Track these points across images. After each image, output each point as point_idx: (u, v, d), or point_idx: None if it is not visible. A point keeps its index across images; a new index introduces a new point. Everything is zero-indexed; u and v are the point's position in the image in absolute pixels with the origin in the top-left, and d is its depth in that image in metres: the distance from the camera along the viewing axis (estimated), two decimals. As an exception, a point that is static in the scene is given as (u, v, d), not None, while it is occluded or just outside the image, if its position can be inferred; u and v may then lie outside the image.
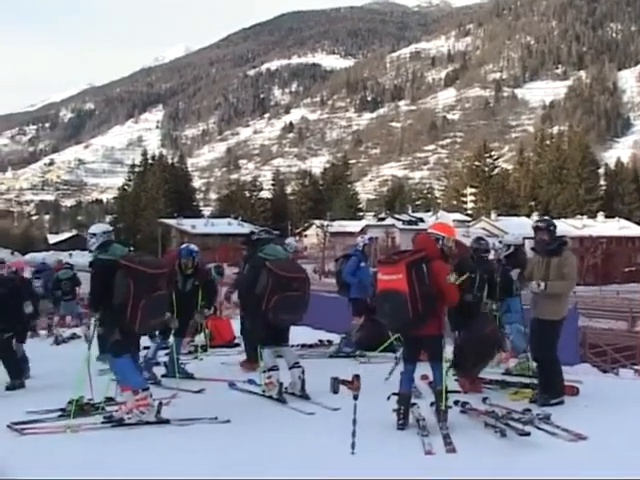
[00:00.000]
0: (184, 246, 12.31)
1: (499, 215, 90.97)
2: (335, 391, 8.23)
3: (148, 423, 8.47)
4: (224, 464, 7.14)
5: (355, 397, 7.60)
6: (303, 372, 10.09)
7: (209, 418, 8.68)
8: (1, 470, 6.57)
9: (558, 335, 9.48)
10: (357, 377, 7.77)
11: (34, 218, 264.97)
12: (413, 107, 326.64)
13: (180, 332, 11.59)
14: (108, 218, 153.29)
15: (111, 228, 9.63)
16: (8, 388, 11.43)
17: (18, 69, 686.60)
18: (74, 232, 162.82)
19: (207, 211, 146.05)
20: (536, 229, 9.77)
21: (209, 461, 7.24)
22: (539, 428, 7.87)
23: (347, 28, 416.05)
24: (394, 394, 8.36)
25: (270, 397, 9.97)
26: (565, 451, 7.38)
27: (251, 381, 10.96)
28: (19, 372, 11.82)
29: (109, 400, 9.35)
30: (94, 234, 9.14)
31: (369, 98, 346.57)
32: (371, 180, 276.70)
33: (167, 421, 8.55)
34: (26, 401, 9.77)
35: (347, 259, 14.16)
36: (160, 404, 8.68)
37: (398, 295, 8.07)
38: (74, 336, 18.77)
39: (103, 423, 8.61)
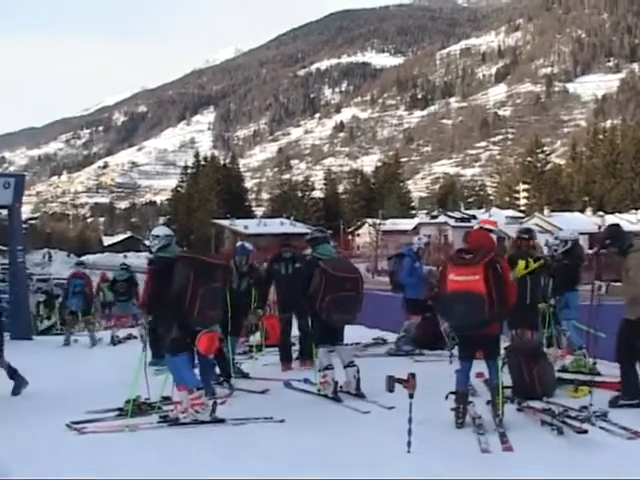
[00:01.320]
0: (239, 244, 12.38)
1: (552, 211, 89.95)
2: (391, 390, 8.19)
3: (203, 422, 8.49)
4: (279, 464, 7.16)
5: (411, 395, 7.57)
6: (358, 371, 10.08)
7: (264, 418, 8.68)
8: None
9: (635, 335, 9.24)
10: (413, 375, 7.74)
11: (89, 220, 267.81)
12: (464, 104, 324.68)
13: (235, 331, 11.61)
14: (162, 220, 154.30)
15: (172, 232, 9.74)
16: None
17: (73, 74, 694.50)
18: (128, 234, 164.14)
19: (259, 211, 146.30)
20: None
21: (264, 461, 7.26)
22: (597, 426, 7.80)
23: (396, 26, 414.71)
24: (451, 393, 8.34)
25: (325, 396, 9.98)
26: (622, 449, 7.30)
27: (306, 380, 10.97)
28: None
29: (165, 399, 9.41)
30: (157, 236, 9.28)
31: (419, 96, 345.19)
32: (423, 178, 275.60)
33: (222, 420, 8.56)
34: (84, 401, 9.86)
35: (400, 258, 14.12)
36: (215, 403, 8.72)
37: (475, 296, 8.04)
38: (130, 336, 18.92)
39: (159, 422, 8.70)
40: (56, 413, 9.68)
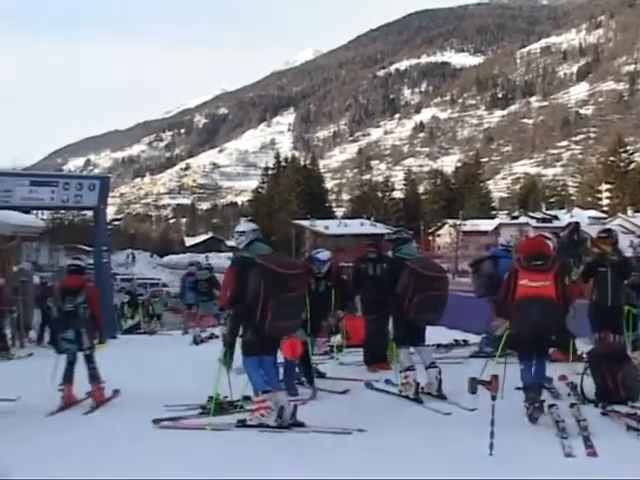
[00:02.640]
0: (315, 254, 12.30)
1: (636, 211, 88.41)
2: (473, 391, 8.15)
3: (287, 426, 8.39)
4: (360, 465, 7.14)
5: (493, 398, 7.54)
6: (440, 372, 10.05)
7: (342, 429, 8.39)
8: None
9: None
10: (495, 377, 7.71)
11: (171, 221, 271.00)
12: (545, 103, 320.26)
13: (314, 332, 11.63)
14: (243, 220, 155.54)
15: (257, 227, 9.62)
16: None
17: (155, 78, 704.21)
18: (210, 234, 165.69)
19: (340, 212, 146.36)
20: None
21: (345, 462, 7.24)
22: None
23: (476, 25, 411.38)
24: (518, 388, 8.32)
25: (407, 397, 9.95)
26: None
27: (388, 381, 10.95)
28: None
29: (246, 399, 9.47)
30: (243, 232, 9.21)
31: (500, 95, 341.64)
32: (503, 178, 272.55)
33: (302, 424, 8.45)
34: (167, 398, 10.00)
35: (495, 260, 13.80)
36: (295, 407, 8.59)
37: (550, 301, 8.44)
38: (212, 336, 19.10)
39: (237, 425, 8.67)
40: (140, 410, 9.84)
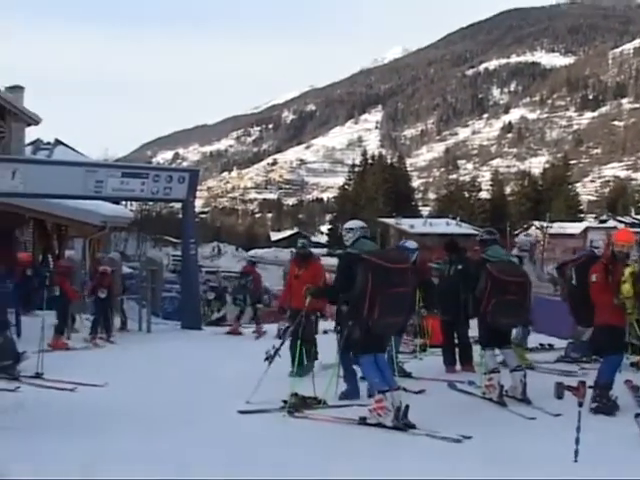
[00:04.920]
0: (403, 243, 12.34)
1: None
2: (559, 396, 8.07)
3: (396, 428, 8.32)
4: (442, 467, 7.08)
5: (580, 404, 7.41)
6: (525, 375, 9.94)
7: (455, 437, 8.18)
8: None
9: None
10: (583, 383, 7.59)
11: (257, 216, 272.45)
12: (637, 105, 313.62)
13: (400, 330, 11.59)
14: (328, 217, 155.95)
15: (366, 225, 9.61)
16: None
17: (244, 73, 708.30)
18: (295, 230, 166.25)
19: (425, 211, 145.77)
20: None
21: (427, 463, 7.19)
22: None
23: (567, 24, 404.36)
24: (592, 387, 8.23)
25: (490, 400, 9.87)
26: None
27: (471, 382, 10.89)
28: None
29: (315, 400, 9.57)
30: (351, 228, 9.23)
31: (590, 96, 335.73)
32: (592, 181, 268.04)
33: (413, 426, 8.30)
34: (249, 391, 10.02)
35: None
36: (407, 407, 8.42)
37: None
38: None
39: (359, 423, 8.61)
40: (222, 402, 9.98)
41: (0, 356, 12.02)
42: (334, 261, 27.22)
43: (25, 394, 10.86)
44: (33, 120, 35.72)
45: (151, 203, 64.98)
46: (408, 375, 11.69)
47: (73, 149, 40.88)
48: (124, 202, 39.56)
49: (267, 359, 10.71)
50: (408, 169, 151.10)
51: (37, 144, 40.18)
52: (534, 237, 14.46)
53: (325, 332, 14.95)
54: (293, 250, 21.64)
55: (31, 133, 38.78)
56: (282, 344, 11.07)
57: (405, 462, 7.22)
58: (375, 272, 8.32)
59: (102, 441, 7.84)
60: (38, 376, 12.10)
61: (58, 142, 40.65)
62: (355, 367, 9.99)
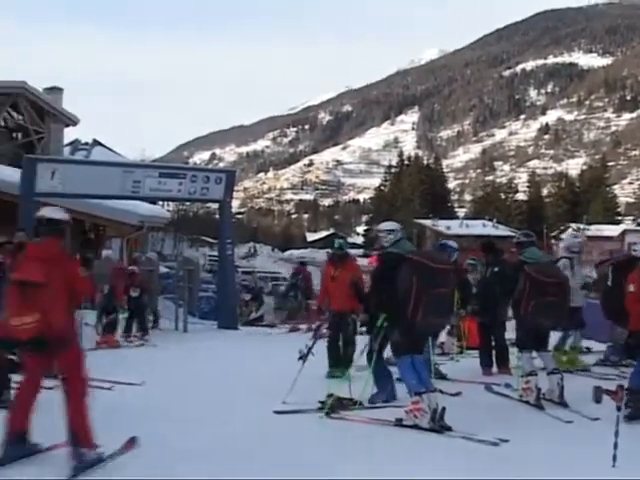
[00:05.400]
0: (445, 242, 12.34)
1: None
2: (598, 400, 7.98)
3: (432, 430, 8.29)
4: (479, 469, 7.06)
5: (618, 408, 7.34)
6: (562, 378, 9.88)
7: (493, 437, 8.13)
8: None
9: None
10: (621, 387, 7.52)
11: (293, 216, 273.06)
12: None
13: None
14: (364, 218, 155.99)
15: (403, 226, 9.66)
16: None
17: (280, 74, 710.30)
18: (331, 231, 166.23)
19: (461, 212, 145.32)
20: None
21: (463, 466, 7.18)
22: None
23: (605, 25, 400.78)
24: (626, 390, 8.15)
25: (527, 402, 9.81)
26: None
27: (508, 385, 10.83)
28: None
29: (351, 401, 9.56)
30: (392, 230, 9.28)
31: (628, 97, 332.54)
32: (630, 183, 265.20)
33: (450, 428, 8.26)
34: (284, 392, 10.07)
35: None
36: (444, 409, 8.38)
37: None
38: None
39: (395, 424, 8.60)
40: (258, 402, 10.00)
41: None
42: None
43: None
44: (71, 121, 36.07)
45: (188, 203, 65.18)
46: (443, 377, 11.66)
47: (111, 149, 41.19)
48: (161, 202, 39.77)
49: (301, 358, 10.74)
50: (444, 170, 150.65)
51: (75, 144, 40.54)
52: (582, 238, 14.26)
53: (361, 333, 14.96)
54: (329, 251, 21.80)
55: (69, 134, 39.14)
56: (314, 343, 11.07)
57: (441, 464, 7.20)
58: (420, 272, 8.32)
59: (140, 439, 7.88)
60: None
61: (96, 142, 40.98)
62: (391, 368, 9.99)
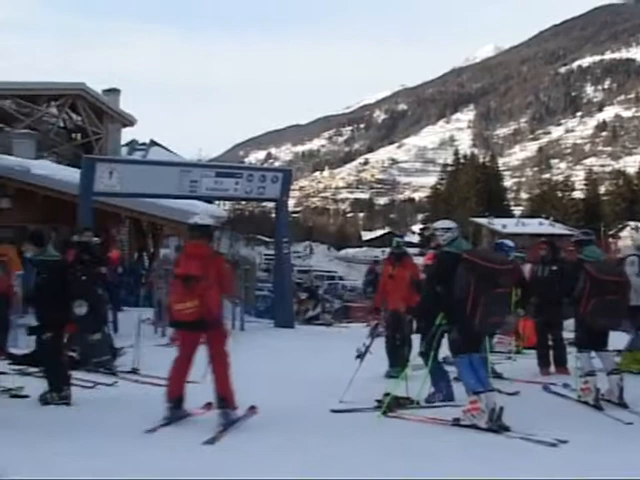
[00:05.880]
0: (502, 241, 12.29)
1: None
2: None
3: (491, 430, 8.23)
4: (537, 470, 7.00)
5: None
6: (622, 379, 9.77)
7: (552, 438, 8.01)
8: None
9: None
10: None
11: (349, 215, 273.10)
12: None
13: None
14: (420, 216, 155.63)
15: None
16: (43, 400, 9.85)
17: (336, 73, 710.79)
18: (387, 229, 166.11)
19: (518, 211, 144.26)
20: None
21: (521, 466, 7.11)
22: None
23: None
24: None
25: (585, 403, 9.73)
26: None
27: (566, 385, 10.75)
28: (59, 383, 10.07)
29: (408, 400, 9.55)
30: (449, 228, 9.31)
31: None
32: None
33: (508, 428, 8.22)
34: (340, 392, 10.08)
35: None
36: (501, 409, 8.33)
37: None
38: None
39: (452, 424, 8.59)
40: (315, 401, 10.05)
41: (98, 352, 12.30)
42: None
43: (122, 389, 11.10)
44: (129, 121, 36.50)
45: (244, 202, 65.56)
46: (499, 376, 11.58)
47: (167, 149, 41.54)
48: (217, 201, 40.02)
49: (358, 357, 10.76)
50: (500, 168, 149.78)
51: (133, 145, 40.99)
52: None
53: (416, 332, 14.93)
54: (384, 250, 21.91)
55: (127, 134, 39.57)
56: (372, 342, 11.09)
57: (499, 464, 7.16)
58: (477, 272, 8.30)
59: (197, 438, 7.96)
60: (134, 372, 12.35)
61: (153, 143, 41.38)
62: (449, 368, 9.97)
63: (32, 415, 9.16)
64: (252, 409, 8.97)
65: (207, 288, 8.50)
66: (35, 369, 11.29)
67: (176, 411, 8.77)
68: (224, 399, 8.58)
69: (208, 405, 8.96)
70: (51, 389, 9.83)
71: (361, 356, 10.75)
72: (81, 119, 34.98)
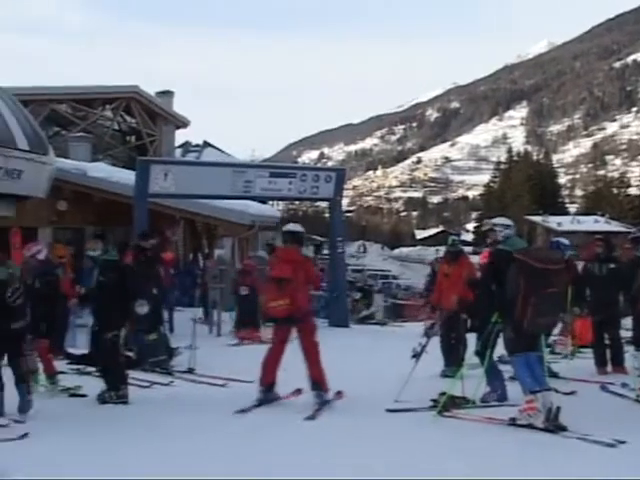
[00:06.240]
0: (558, 239, 12.20)
1: None
2: None
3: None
4: (594, 471, 6.90)
5: None
6: (681, 378, 9.67)
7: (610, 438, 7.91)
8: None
9: None
10: None
11: (402, 214, 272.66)
12: None
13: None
14: (473, 214, 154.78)
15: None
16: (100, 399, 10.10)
17: (387, 72, 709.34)
18: (440, 228, 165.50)
19: (573, 208, 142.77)
20: None
21: (579, 467, 7.03)
22: None
23: None
24: None
25: (644, 403, 9.65)
26: None
27: (624, 385, 10.62)
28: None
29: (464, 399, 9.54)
30: (508, 225, 9.26)
31: None
32: None
33: (565, 428, 8.12)
34: (395, 391, 10.09)
35: None
36: (558, 409, 8.23)
37: None
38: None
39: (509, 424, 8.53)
40: (370, 400, 10.08)
41: (155, 351, 12.43)
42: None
43: (178, 389, 11.21)
44: (182, 123, 36.77)
45: (297, 202, 65.75)
46: (555, 375, 11.47)
47: (221, 150, 41.79)
48: (271, 202, 40.17)
49: (414, 356, 10.77)
50: (554, 165, 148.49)
51: (186, 146, 41.32)
52: None
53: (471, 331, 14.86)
54: (438, 249, 21.81)
55: (180, 136, 39.91)
56: (428, 341, 11.07)
57: (556, 465, 7.12)
58: (528, 273, 8.22)
59: (253, 436, 8.02)
60: (190, 371, 12.48)
61: (206, 144, 41.66)
62: (504, 367, 9.93)
63: (90, 414, 9.30)
64: (339, 394, 10.10)
65: (297, 288, 9.82)
66: (93, 368, 11.44)
67: (268, 394, 9.98)
68: (318, 383, 9.88)
69: (297, 391, 10.23)
70: (109, 388, 9.99)
71: (417, 355, 10.75)
72: (135, 121, 35.34)
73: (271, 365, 10.05)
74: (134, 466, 6.88)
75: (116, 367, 10.21)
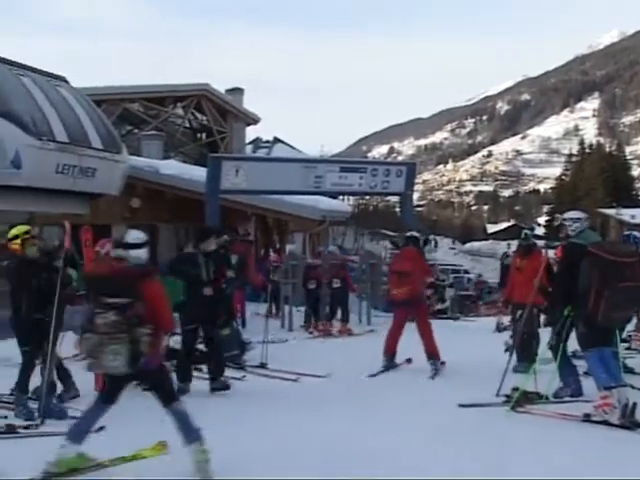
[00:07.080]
0: (630, 232, 12.02)
1: None
2: None
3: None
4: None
5: None
6: None
7: None
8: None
9: None
10: None
11: (473, 208, 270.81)
12: None
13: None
14: (545, 208, 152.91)
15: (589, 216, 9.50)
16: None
17: (457, 65, 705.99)
18: (512, 222, 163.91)
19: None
20: None
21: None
22: None
23: None
24: None
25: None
26: None
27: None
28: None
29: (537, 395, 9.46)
30: (579, 218, 9.20)
31: None
32: None
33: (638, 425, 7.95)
34: (468, 386, 10.12)
35: None
36: (634, 405, 8.09)
37: None
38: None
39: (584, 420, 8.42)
40: (443, 395, 10.06)
41: (227, 346, 12.53)
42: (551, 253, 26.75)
43: (251, 383, 11.30)
44: (253, 120, 36.95)
45: (368, 197, 65.66)
46: (631, 371, 11.30)
47: (291, 146, 41.91)
48: (342, 197, 40.25)
49: (507, 350, 10.89)
50: (627, 157, 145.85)
51: (257, 142, 41.49)
52: None
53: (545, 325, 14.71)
54: (509, 243, 21.69)
55: (251, 132, 40.11)
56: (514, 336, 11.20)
57: (631, 462, 7.03)
58: (601, 267, 8.13)
59: (328, 432, 8.06)
60: (262, 366, 12.57)
61: (277, 140, 41.81)
62: (578, 362, 9.83)
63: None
64: (443, 364, 12.28)
65: (414, 280, 12.53)
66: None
67: (391, 362, 12.58)
68: (432, 354, 12.25)
69: (408, 360, 12.73)
70: (181, 380, 10.15)
71: (509, 349, 10.79)
72: (206, 119, 35.58)
73: (393, 339, 12.62)
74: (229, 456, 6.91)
75: (187, 361, 10.54)
